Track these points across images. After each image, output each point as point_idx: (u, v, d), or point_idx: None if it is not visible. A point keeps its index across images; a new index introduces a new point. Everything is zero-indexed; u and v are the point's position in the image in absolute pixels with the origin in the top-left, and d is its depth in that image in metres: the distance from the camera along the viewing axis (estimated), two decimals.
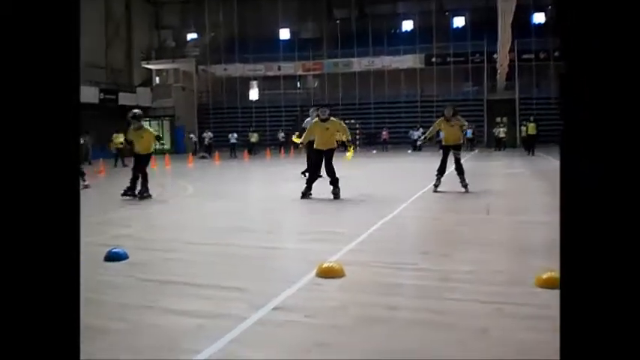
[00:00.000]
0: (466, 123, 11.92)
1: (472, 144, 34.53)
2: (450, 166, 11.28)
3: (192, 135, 37.88)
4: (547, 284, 4.14)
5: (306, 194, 10.06)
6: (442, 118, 11.17)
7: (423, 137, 11.55)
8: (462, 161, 11.36)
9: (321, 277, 4.48)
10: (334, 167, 10.12)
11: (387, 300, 3.98)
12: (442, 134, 11.59)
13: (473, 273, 4.77)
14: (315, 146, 10.28)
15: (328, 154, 10.16)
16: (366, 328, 3.46)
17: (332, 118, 10.35)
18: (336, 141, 10.48)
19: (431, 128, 11.82)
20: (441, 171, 11.00)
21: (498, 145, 34.03)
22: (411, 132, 36.05)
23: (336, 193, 9.94)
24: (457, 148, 11.13)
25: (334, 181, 9.98)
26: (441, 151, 11.56)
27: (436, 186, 10.94)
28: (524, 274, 4.52)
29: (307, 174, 12.87)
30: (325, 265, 4.61)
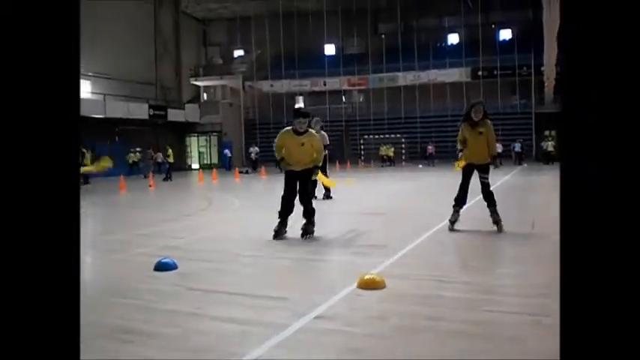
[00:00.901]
0: (495, 136, 8.47)
1: (520, 158, 34.04)
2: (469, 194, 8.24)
3: (226, 150, 38.71)
4: None
5: (279, 233, 7.45)
6: (465, 123, 8.00)
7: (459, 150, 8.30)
8: (497, 184, 9.12)
9: (363, 288, 4.57)
10: (310, 194, 8.27)
11: (426, 311, 4.05)
12: (459, 146, 8.21)
13: (512, 286, 4.80)
14: (285, 166, 7.73)
15: (304, 177, 7.70)
16: (406, 337, 3.53)
17: (311, 131, 7.82)
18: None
19: (458, 137, 8.26)
20: (460, 201, 7.98)
21: (547, 159, 33.40)
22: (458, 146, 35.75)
23: (307, 230, 7.55)
24: (484, 170, 7.89)
25: (308, 213, 7.62)
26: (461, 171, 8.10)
27: (452, 222, 7.90)
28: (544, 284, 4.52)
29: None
30: (367, 276, 4.70)
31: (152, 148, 31.57)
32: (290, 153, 7.62)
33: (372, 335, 3.57)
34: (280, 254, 6.43)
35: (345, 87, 45.77)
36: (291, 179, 7.65)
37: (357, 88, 46.02)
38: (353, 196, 14.07)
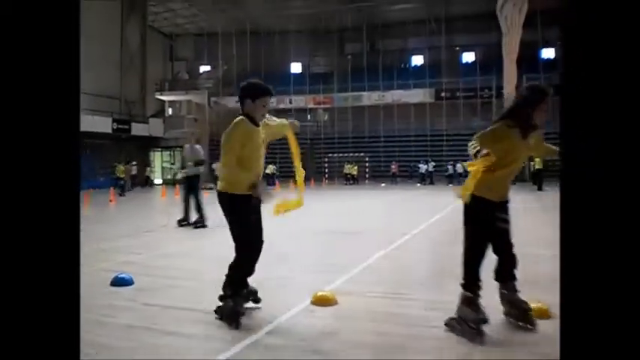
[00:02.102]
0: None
1: None
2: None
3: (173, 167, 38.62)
4: (534, 315, 4.35)
5: (240, 313, 4.31)
6: (505, 122, 4.07)
7: (472, 145, 4.22)
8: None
9: (316, 305, 4.70)
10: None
11: (375, 327, 4.19)
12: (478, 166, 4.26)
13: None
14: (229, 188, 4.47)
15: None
16: (354, 352, 3.66)
17: (274, 119, 4.85)
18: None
19: (483, 135, 4.10)
20: (475, 275, 4.27)
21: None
22: (420, 165, 36.24)
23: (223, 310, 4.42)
24: (504, 209, 4.33)
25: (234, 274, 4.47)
26: (467, 212, 4.35)
27: (476, 322, 4.06)
28: None
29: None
30: (320, 293, 4.83)
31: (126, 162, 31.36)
32: (252, 159, 4.42)
33: (320, 351, 3.68)
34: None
35: (311, 105, 46.06)
36: (254, 209, 4.43)
37: (322, 106, 46.36)
38: (313, 214, 14.21)
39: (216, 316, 4.37)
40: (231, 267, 4.41)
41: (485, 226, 4.22)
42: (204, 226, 10.87)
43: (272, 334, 3.99)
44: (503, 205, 4.29)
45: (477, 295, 4.21)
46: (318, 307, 4.65)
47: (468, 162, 4.45)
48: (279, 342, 3.83)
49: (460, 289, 4.25)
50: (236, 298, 4.33)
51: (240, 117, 4.39)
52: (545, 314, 4.37)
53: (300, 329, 4.13)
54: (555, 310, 4.39)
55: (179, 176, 11.23)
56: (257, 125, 4.47)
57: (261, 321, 4.25)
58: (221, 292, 4.44)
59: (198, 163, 11.11)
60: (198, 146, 11.54)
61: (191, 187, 11.17)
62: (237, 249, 4.38)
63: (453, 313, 4.55)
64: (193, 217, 11.17)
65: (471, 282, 4.25)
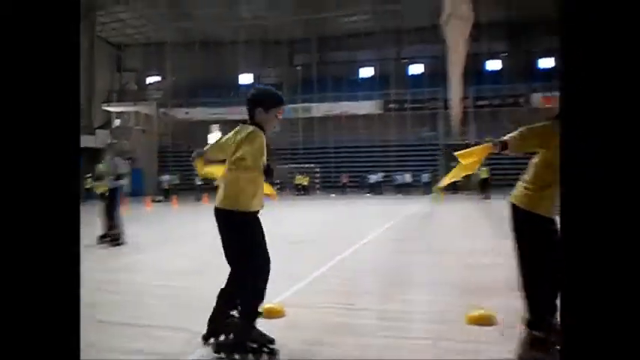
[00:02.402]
0: None
1: (428, 187, 35.30)
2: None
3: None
4: (477, 321, 4.45)
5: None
6: (552, 123, 3.57)
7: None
8: (409, 213, 9.60)
9: (263, 317, 4.67)
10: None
11: (325, 338, 4.20)
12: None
13: (410, 312, 5.04)
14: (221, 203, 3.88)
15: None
16: None
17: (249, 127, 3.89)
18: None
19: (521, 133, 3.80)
20: (547, 307, 3.47)
21: (453, 189, 34.82)
22: (369, 176, 36.62)
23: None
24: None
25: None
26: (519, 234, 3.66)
27: None
28: (458, 311, 4.80)
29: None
30: (267, 305, 4.81)
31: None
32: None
33: None
34: (188, 285, 6.40)
35: None
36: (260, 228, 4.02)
37: None
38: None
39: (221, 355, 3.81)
40: (243, 298, 3.90)
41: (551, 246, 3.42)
42: (118, 243, 10.53)
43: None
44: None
45: (550, 335, 3.40)
46: (266, 320, 4.62)
47: (459, 152, 3.95)
48: (224, 356, 3.80)
49: (523, 327, 3.59)
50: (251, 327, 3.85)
51: (254, 127, 3.87)
52: (490, 321, 4.47)
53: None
54: (502, 315, 4.51)
55: (99, 190, 10.81)
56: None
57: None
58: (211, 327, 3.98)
59: (118, 177, 10.82)
60: (119, 159, 11.23)
61: (111, 200, 10.81)
62: (243, 275, 3.87)
63: (403, 323, 4.63)
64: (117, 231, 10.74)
65: (541, 317, 3.46)
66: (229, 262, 3.90)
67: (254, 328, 3.82)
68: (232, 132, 3.99)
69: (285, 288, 5.91)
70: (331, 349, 3.93)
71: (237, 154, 3.78)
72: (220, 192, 3.87)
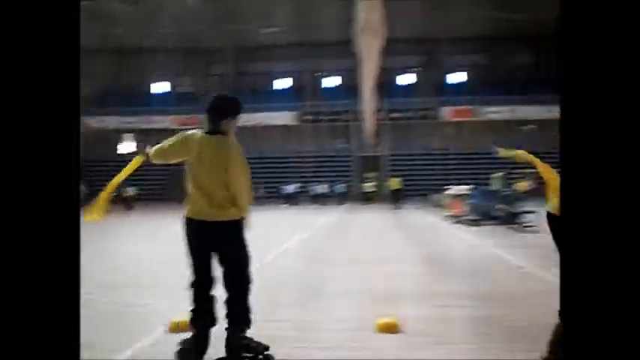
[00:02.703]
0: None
1: (343, 198, 35.87)
2: None
3: None
4: (386, 329, 4.66)
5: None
6: None
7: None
8: (323, 222, 9.66)
9: (173, 332, 4.65)
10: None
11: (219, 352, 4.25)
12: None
13: (324, 322, 5.18)
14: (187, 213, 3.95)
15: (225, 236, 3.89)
16: None
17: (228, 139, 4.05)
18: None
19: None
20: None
21: (367, 199, 35.61)
22: (285, 187, 36.73)
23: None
24: None
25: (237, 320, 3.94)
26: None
27: None
28: (369, 320, 4.96)
29: None
30: (176, 320, 4.77)
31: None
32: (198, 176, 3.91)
33: None
34: (96, 298, 6.26)
35: (176, 126, 45.20)
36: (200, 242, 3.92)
37: (187, 127, 45.55)
38: (178, 237, 13.97)
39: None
40: (245, 307, 3.95)
41: None
42: None
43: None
44: None
45: None
46: (176, 335, 4.61)
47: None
48: None
49: None
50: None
51: (232, 139, 3.97)
52: (398, 328, 4.68)
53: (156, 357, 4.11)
54: (405, 324, 4.74)
55: None
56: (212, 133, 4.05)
57: (110, 350, 4.16)
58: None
59: None
60: None
61: None
62: (247, 276, 3.96)
63: (319, 332, 4.74)
64: None
65: None
66: (237, 273, 3.88)
67: (247, 338, 3.86)
68: (195, 142, 3.93)
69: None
70: None
71: (238, 168, 3.85)
72: (225, 199, 3.81)
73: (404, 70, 45.15)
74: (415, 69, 46.09)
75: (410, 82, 45.55)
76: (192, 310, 3.93)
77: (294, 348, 4.32)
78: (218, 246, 3.83)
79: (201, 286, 3.91)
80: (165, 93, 46.26)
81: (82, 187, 33.26)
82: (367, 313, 5.37)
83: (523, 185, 27.78)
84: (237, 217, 3.84)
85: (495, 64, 42.90)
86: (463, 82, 44.43)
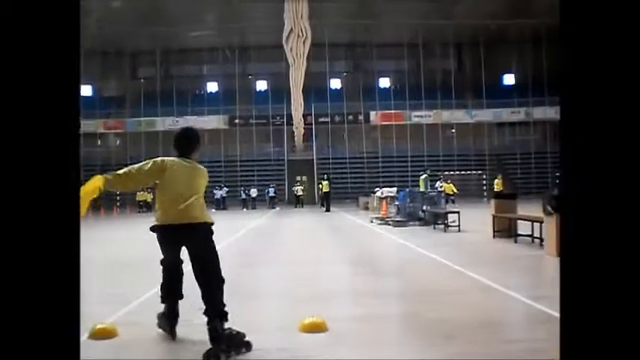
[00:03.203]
0: None
1: (274, 202, 35.80)
2: None
3: None
4: (310, 329, 4.66)
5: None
6: None
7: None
8: (252, 226, 10.00)
9: (94, 338, 4.51)
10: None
11: (161, 356, 4.16)
12: None
13: (251, 323, 5.12)
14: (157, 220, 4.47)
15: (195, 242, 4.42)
16: None
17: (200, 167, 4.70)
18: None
19: None
20: None
21: (297, 202, 35.69)
22: (214, 191, 36.25)
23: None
24: None
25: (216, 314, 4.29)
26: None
27: None
28: (293, 320, 4.96)
29: None
30: (98, 326, 4.65)
31: None
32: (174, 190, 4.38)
33: None
34: None
35: (101, 130, 44.00)
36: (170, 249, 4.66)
37: (113, 131, 44.52)
38: (98, 245, 13.56)
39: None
40: (214, 292, 4.38)
41: None
42: None
43: None
44: None
45: None
46: (97, 341, 4.48)
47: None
48: None
49: None
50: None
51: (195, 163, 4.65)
52: (321, 328, 4.69)
53: None
54: (329, 322, 4.75)
55: None
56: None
57: None
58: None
59: None
60: None
61: None
62: (217, 277, 4.43)
63: (247, 334, 4.69)
64: None
65: None
66: (208, 273, 4.36)
67: (227, 328, 4.27)
68: (169, 164, 4.46)
69: (118, 308, 5.74)
70: None
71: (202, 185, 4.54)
72: (196, 208, 4.35)
73: (333, 75, 45.56)
74: (344, 73, 46.63)
75: (338, 87, 46.02)
76: (161, 286, 4.77)
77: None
78: (189, 245, 4.38)
79: (170, 266, 4.67)
80: (92, 96, 44.81)
81: None
82: (292, 313, 5.36)
83: (449, 187, 28.68)
84: (207, 221, 4.43)
85: (421, 70, 43.87)
86: (390, 87, 45.26)
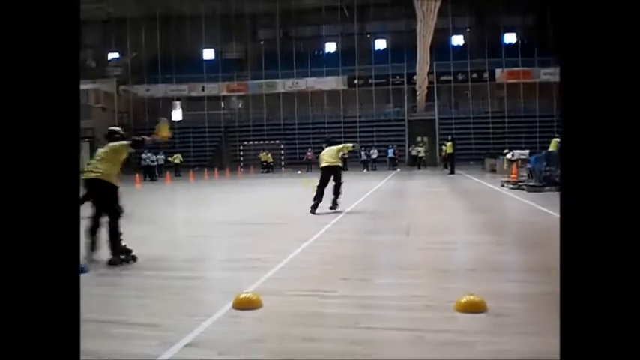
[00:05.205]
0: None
1: (394, 163, 35.24)
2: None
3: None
4: (466, 308, 4.18)
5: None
6: None
7: None
8: (374, 189, 10.37)
9: (238, 308, 4.35)
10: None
11: (304, 331, 3.89)
12: None
13: (392, 298, 4.77)
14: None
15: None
16: None
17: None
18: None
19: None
20: None
21: (418, 163, 34.89)
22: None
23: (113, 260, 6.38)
24: None
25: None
26: None
27: None
28: (443, 297, 4.55)
29: None
30: (242, 295, 4.48)
31: None
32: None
33: None
34: (153, 273, 6.03)
35: (224, 93, 45.21)
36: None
37: (235, 94, 45.62)
38: (229, 206, 13.77)
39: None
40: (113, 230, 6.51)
41: None
42: None
43: (192, 347, 3.60)
44: None
45: None
46: (241, 312, 4.30)
47: None
48: (200, 355, 3.46)
49: None
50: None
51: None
52: (479, 307, 4.21)
53: (223, 338, 3.78)
54: (490, 301, 4.26)
55: None
56: None
57: (179, 331, 3.85)
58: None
59: None
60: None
61: None
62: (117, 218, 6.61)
63: (384, 311, 4.34)
64: None
65: None
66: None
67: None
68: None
69: (258, 274, 5.58)
70: (313, 345, 3.63)
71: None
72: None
73: (455, 31, 43.71)
74: (467, 29, 44.61)
75: (461, 44, 44.14)
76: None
77: (359, 329, 3.92)
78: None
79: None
80: (214, 60, 46.08)
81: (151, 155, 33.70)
82: (442, 289, 4.95)
83: None
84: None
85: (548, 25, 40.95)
86: (516, 43, 42.73)
